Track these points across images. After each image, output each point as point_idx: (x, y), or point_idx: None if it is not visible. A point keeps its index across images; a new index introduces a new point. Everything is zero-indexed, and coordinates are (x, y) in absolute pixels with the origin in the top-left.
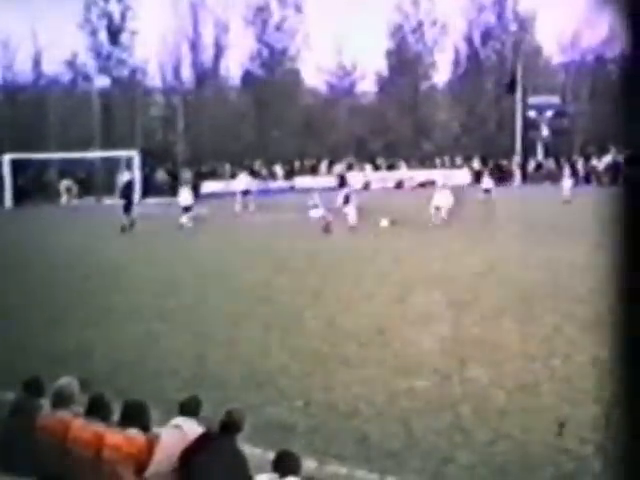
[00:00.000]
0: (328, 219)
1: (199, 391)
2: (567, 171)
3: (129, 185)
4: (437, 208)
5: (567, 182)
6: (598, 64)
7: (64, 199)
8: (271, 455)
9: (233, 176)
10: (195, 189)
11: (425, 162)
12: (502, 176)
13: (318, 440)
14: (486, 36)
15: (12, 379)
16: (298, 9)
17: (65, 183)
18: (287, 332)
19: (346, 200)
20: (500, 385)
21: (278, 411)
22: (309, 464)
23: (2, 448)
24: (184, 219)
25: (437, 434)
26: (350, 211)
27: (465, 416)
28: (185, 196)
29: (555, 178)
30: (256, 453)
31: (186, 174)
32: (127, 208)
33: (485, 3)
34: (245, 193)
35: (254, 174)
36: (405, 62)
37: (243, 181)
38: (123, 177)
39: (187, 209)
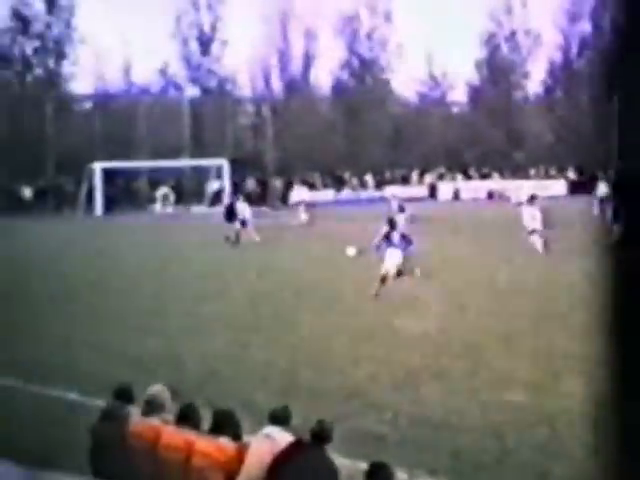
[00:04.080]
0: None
1: (288, 401)
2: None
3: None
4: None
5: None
6: None
7: (159, 206)
8: (361, 466)
9: (326, 186)
10: (284, 199)
11: (518, 172)
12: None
13: (408, 452)
14: (582, 46)
15: (103, 386)
16: (388, 18)
17: (162, 190)
18: (377, 344)
19: (401, 209)
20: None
21: (368, 422)
22: (400, 476)
23: (93, 454)
24: (233, 232)
25: (532, 448)
26: (400, 220)
27: (561, 430)
28: (241, 208)
29: None
30: (345, 464)
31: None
32: (230, 217)
33: (581, 12)
34: (243, 224)
35: (343, 183)
36: (497, 71)
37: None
38: (212, 186)
39: (243, 223)
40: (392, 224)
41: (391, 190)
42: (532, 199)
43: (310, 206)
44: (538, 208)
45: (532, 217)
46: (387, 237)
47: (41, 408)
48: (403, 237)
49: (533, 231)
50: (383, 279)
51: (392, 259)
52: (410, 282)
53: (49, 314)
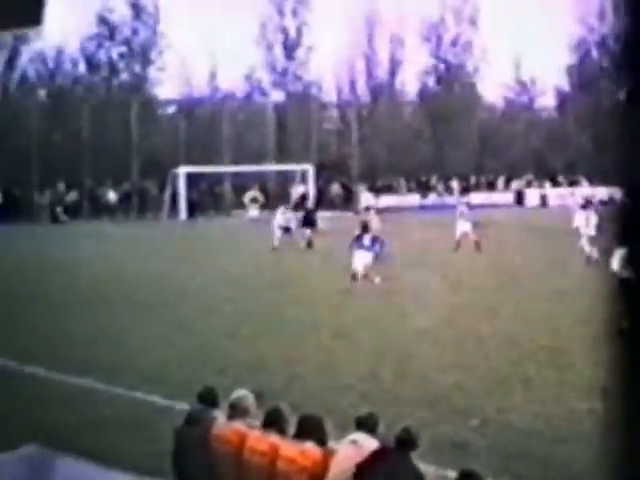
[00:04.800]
0: (471, 237)
1: (373, 406)
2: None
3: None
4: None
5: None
6: None
7: (250, 209)
8: (447, 473)
9: (410, 191)
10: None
11: (608, 180)
12: None
13: (495, 460)
14: None
15: (186, 390)
16: (473, 23)
17: (251, 193)
18: (463, 349)
19: (461, 215)
20: None
21: (453, 429)
22: None
23: (177, 458)
24: (276, 241)
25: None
26: (462, 227)
27: None
28: (284, 217)
29: None
30: (430, 471)
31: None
32: (308, 224)
33: None
34: (286, 230)
35: (429, 188)
36: (588, 77)
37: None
38: (297, 190)
39: (287, 230)
40: (364, 227)
41: (476, 196)
42: (586, 205)
43: (379, 211)
44: (593, 214)
45: (586, 223)
46: (358, 239)
47: (124, 411)
48: (375, 240)
49: (587, 237)
50: (354, 277)
51: (361, 260)
52: (491, 289)
53: (134, 317)
